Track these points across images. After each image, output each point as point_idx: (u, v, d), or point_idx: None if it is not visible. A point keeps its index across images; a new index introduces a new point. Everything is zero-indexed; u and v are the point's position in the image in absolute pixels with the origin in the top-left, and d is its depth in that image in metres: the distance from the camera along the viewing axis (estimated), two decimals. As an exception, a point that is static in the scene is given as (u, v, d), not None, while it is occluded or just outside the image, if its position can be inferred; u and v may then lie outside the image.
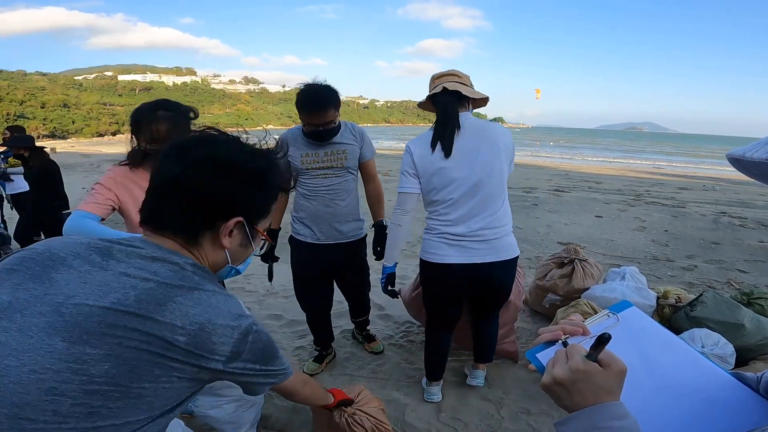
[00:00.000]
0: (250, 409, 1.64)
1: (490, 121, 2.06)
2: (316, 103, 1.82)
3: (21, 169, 4.24)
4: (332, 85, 1.89)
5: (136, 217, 1.52)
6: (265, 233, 0.83)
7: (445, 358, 2.06)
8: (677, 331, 2.29)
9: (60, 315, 0.59)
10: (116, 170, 1.52)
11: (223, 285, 1.80)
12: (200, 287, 0.67)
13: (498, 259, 1.75)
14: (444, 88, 1.68)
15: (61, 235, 3.14)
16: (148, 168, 1.55)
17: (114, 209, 1.49)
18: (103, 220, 1.43)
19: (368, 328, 2.60)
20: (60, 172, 3.78)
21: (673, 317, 2.44)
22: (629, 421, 0.49)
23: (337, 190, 2.02)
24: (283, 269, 3.88)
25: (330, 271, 2.23)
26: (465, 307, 2.00)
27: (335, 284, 2.33)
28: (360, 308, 2.47)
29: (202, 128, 0.80)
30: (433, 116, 1.76)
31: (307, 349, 2.56)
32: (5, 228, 4.51)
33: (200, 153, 0.72)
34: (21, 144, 3.56)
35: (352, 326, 2.65)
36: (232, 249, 0.78)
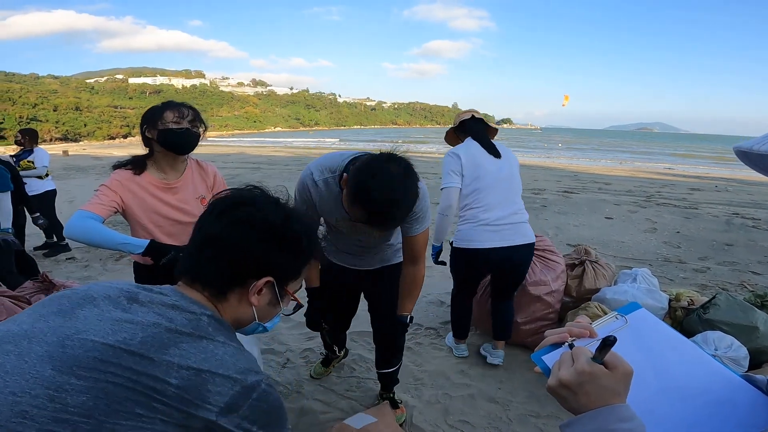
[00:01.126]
0: None
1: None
2: (393, 219, 1.19)
3: (35, 171, 4.30)
4: (413, 168, 1.19)
5: (141, 219, 1.53)
6: (295, 295, 0.87)
7: (469, 321, 2.50)
8: (690, 333, 2.26)
9: (62, 346, 0.60)
10: (121, 174, 1.52)
11: None
12: (210, 337, 0.68)
13: (522, 242, 2.17)
14: (473, 115, 2.29)
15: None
16: (152, 170, 1.56)
17: (117, 211, 1.49)
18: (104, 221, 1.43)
19: (394, 392, 2.05)
20: (17, 176, 3.49)
21: (686, 320, 2.41)
22: (635, 423, 0.49)
23: (367, 248, 1.68)
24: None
25: (351, 286, 1.86)
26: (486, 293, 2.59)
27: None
28: (387, 355, 1.88)
29: (248, 186, 0.83)
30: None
31: (315, 351, 2.57)
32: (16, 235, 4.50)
33: (241, 214, 0.76)
34: None
35: (362, 329, 2.59)
36: (260, 307, 0.80)
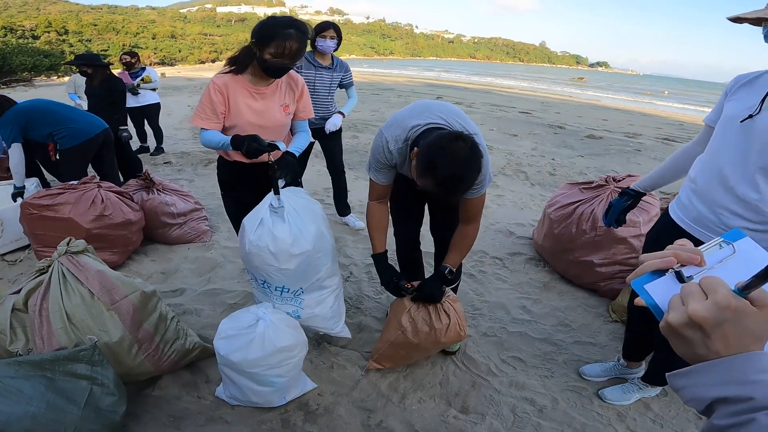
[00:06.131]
0: (340, 297, 1.74)
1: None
2: (457, 191, 1.27)
3: (153, 84, 4.87)
4: (478, 146, 1.27)
5: (234, 119, 1.67)
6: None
7: (640, 343, 1.71)
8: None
9: None
10: (219, 78, 1.63)
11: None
12: None
13: None
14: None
15: (114, 145, 3.20)
16: (247, 74, 1.65)
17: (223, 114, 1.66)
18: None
19: None
20: (123, 90, 3.76)
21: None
22: None
23: None
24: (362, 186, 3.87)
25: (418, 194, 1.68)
26: None
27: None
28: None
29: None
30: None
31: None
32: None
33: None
34: (83, 62, 3.59)
35: (425, 250, 2.46)
36: None
